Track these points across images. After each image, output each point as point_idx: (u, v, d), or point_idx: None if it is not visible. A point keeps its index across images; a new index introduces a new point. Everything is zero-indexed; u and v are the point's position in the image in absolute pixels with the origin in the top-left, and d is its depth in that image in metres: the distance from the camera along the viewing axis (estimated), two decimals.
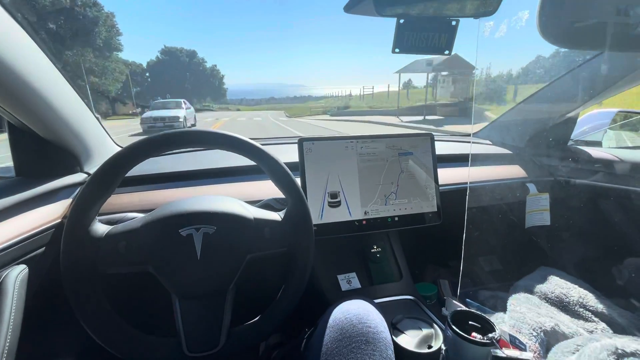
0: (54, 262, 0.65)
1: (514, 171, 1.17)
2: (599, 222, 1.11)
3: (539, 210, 1.12)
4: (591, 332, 0.79)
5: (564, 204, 1.12)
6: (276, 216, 0.62)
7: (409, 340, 0.67)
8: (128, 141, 0.58)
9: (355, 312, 0.56)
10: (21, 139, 0.72)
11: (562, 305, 0.87)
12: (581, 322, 0.83)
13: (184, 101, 12.49)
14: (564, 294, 0.88)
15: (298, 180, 0.64)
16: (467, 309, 0.67)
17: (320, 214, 0.83)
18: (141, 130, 10.01)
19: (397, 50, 0.60)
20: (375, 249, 0.93)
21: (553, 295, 0.88)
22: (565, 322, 0.79)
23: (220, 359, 0.57)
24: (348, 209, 0.85)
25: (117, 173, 0.54)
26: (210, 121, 18.42)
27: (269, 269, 0.84)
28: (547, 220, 1.11)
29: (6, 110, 0.62)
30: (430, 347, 0.65)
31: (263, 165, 0.60)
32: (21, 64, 0.58)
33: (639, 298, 0.90)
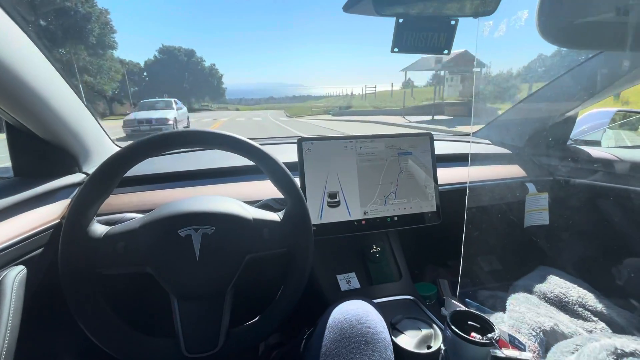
0: (53, 262, 0.65)
1: (513, 171, 1.17)
2: (598, 221, 1.11)
3: (538, 210, 1.12)
4: (590, 331, 0.79)
5: (563, 203, 1.12)
6: (275, 216, 0.62)
7: (409, 340, 0.67)
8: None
9: (355, 313, 0.56)
10: (19, 139, 0.71)
11: (561, 304, 0.87)
12: (580, 321, 0.83)
13: (174, 101, 11.49)
14: (563, 294, 0.88)
15: (297, 180, 0.64)
16: (467, 309, 0.67)
17: (320, 214, 0.82)
18: (124, 135, 8.82)
19: (396, 49, 0.60)
20: (374, 249, 0.93)
21: (552, 294, 0.88)
22: (564, 322, 0.79)
23: (220, 359, 0.57)
24: (347, 209, 0.85)
25: (115, 173, 0.54)
26: (208, 121, 18.15)
27: (268, 270, 0.84)
28: (546, 220, 1.11)
29: (4, 110, 0.62)
30: (429, 347, 0.65)
31: (262, 166, 0.60)
32: (19, 64, 0.58)
33: (638, 298, 0.90)
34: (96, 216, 0.56)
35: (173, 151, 1.03)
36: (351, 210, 0.85)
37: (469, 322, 0.61)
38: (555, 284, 0.91)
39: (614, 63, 0.95)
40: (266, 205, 0.77)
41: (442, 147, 1.21)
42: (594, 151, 1.17)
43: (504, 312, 0.82)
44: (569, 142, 1.28)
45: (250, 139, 0.60)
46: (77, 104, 0.78)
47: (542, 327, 0.75)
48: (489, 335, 0.57)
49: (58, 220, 0.68)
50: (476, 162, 1.16)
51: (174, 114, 9.99)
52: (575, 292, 0.88)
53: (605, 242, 1.11)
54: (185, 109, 12.61)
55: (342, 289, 0.86)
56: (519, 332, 0.74)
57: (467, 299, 0.88)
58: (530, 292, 0.91)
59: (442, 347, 0.63)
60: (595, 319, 0.82)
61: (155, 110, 10.11)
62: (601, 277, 0.98)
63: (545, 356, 0.70)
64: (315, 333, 0.58)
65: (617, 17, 0.44)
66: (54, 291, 0.57)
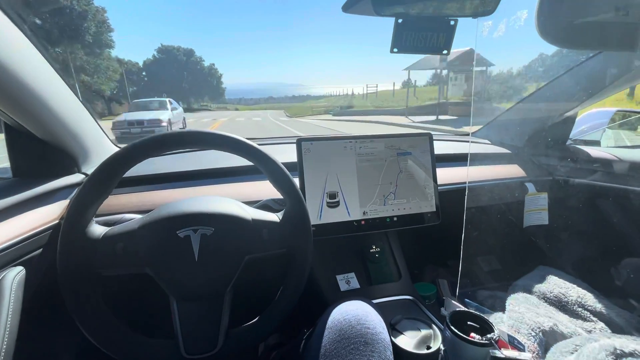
0: (52, 263, 0.65)
1: (513, 171, 1.17)
2: (597, 221, 1.11)
3: (537, 210, 1.12)
4: (590, 331, 0.79)
5: (563, 203, 1.12)
6: (274, 217, 0.62)
7: (408, 341, 0.67)
8: None
9: (354, 313, 0.56)
10: (18, 140, 0.71)
11: (561, 304, 0.87)
12: (580, 321, 0.83)
13: (169, 100, 10.81)
14: (563, 294, 0.88)
15: (296, 181, 0.64)
16: (466, 309, 0.67)
17: (319, 214, 0.82)
18: (113, 138, 8.13)
19: (395, 50, 0.60)
20: (374, 249, 0.93)
21: (551, 294, 0.88)
22: (563, 322, 0.79)
23: None
24: (347, 209, 0.85)
25: (114, 174, 0.54)
26: (207, 122, 17.98)
27: (267, 270, 0.84)
28: (545, 220, 1.11)
29: (2, 110, 0.62)
30: (429, 347, 0.65)
31: (261, 166, 0.60)
32: (17, 64, 0.58)
33: (637, 298, 0.90)
34: (95, 217, 0.56)
35: (172, 151, 1.03)
36: (350, 211, 0.85)
37: (469, 323, 0.61)
38: (555, 284, 0.91)
39: (613, 63, 0.95)
40: (265, 205, 0.77)
41: (441, 147, 1.21)
42: (593, 151, 1.17)
43: (504, 312, 0.82)
44: (569, 142, 1.28)
45: (249, 139, 0.60)
46: (76, 104, 0.77)
47: (542, 327, 0.75)
48: (489, 335, 0.57)
49: (57, 221, 0.67)
50: (475, 162, 1.16)
51: (168, 115, 9.44)
52: (574, 292, 0.88)
53: (605, 242, 1.11)
54: (181, 109, 12.00)
55: (342, 289, 0.86)
56: (518, 332, 0.74)
57: (466, 299, 0.88)
58: (530, 292, 0.91)
59: (442, 347, 0.63)
60: (594, 319, 0.82)
61: (148, 111, 9.47)
62: (600, 277, 0.98)
63: (544, 356, 0.70)
64: (314, 333, 0.58)
65: (616, 17, 0.44)
66: (53, 292, 0.57)
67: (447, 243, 0.95)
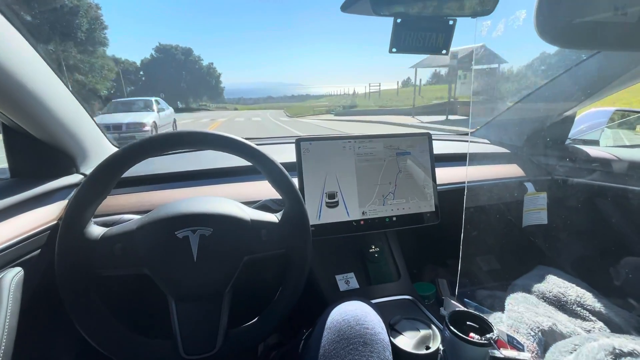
0: (50, 264, 0.65)
1: (512, 170, 1.18)
2: (596, 221, 1.11)
3: (536, 210, 1.12)
4: (589, 331, 0.79)
5: (562, 203, 1.12)
6: (273, 217, 0.62)
7: (407, 341, 0.67)
8: None
9: (353, 314, 0.56)
10: (16, 140, 0.71)
11: (560, 304, 0.87)
12: (579, 321, 0.83)
13: (156, 100, 9.26)
14: (562, 293, 0.88)
15: (295, 181, 0.63)
16: (465, 309, 0.66)
17: (318, 214, 0.82)
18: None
19: (394, 50, 0.60)
20: (373, 249, 0.93)
21: (551, 294, 0.88)
22: (562, 322, 0.79)
23: None
24: (346, 209, 0.84)
25: (113, 174, 0.54)
26: (205, 122, 17.70)
27: (266, 271, 0.84)
28: (544, 220, 1.11)
29: (0, 111, 0.61)
30: (428, 347, 0.65)
31: (259, 166, 0.60)
32: (15, 64, 0.58)
33: (636, 297, 0.90)
34: (93, 217, 0.55)
35: (171, 152, 1.03)
36: (350, 211, 0.85)
37: (468, 322, 0.61)
38: (554, 284, 0.91)
39: (612, 63, 0.95)
40: (264, 206, 0.77)
41: (440, 147, 1.21)
42: (592, 151, 1.17)
43: (503, 312, 0.82)
44: (567, 141, 1.28)
45: (247, 139, 0.60)
46: (74, 105, 0.77)
47: (541, 327, 0.75)
48: (488, 335, 0.57)
49: (55, 222, 0.67)
50: (474, 162, 1.16)
51: (153, 117, 8.06)
52: (573, 291, 0.88)
53: (604, 241, 1.11)
54: (170, 110, 10.43)
55: (341, 289, 0.86)
56: (517, 332, 0.74)
57: (465, 299, 0.88)
58: (529, 291, 0.91)
59: (441, 347, 0.63)
60: (593, 318, 0.83)
61: (130, 113, 8.05)
62: (599, 276, 0.98)
63: (543, 356, 0.70)
64: (313, 334, 0.58)
65: (615, 16, 0.44)
66: (52, 293, 0.57)
67: (446, 243, 0.95)
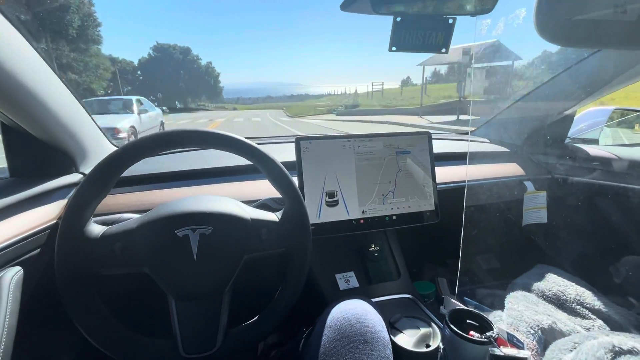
0: (50, 263, 0.65)
1: (512, 169, 1.18)
2: (596, 219, 1.11)
3: (536, 208, 1.12)
4: (588, 329, 0.79)
5: (561, 201, 1.12)
6: (273, 216, 0.62)
7: (407, 339, 0.67)
8: None
9: (353, 312, 0.56)
10: (15, 140, 0.71)
11: (560, 302, 0.87)
12: (578, 319, 0.83)
13: (138, 100, 7.85)
14: (561, 292, 0.88)
15: (295, 180, 0.63)
16: (465, 307, 0.67)
17: (318, 213, 0.82)
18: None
19: (394, 48, 0.60)
20: (373, 248, 0.93)
21: (550, 293, 0.88)
22: (562, 320, 0.80)
23: (218, 359, 0.57)
24: (346, 208, 0.84)
25: (112, 173, 0.54)
26: (204, 122, 17.35)
27: (266, 269, 0.84)
28: (544, 218, 1.11)
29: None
30: (428, 346, 0.65)
31: (260, 165, 0.60)
32: (14, 63, 0.57)
33: (635, 296, 0.91)
34: (93, 216, 0.55)
35: (170, 151, 1.03)
36: (350, 210, 0.85)
37: (468, 321, 0.61)
38: (554, 282, 0.91)
39: (612, 61, 0.95)
40: (264, 205, 0.77)
41: (440, 146, 1.21)
42: (591, 149, 1.17)
43: (503, 311, 0.82)
44: (567, 140, 1.28)
45: (247, 138, 0.60)
46: (74, 104, 0.77)
47: (541, 325, 0.75)
48: (488, 333, 0.58)
49: (55, 221, 0.67)
50: (474, 161, 1.16)
51: (132, 121, 6.79)
52: (573, 290, 0.88)
53: (603, 240, 1.11)
54: (156, 111, 9.01)
55: (341, 288, 0.86)
56: (517, 331, 0.74)
57: (465, 298, 0.88)
58: (529, 290, 0.91)
59: (441, 345, 0.63)
60: (593, 316, 0.83)
61: (105, 115, 6.72)
62: (599, 275, 0.98)
63: (543, 354, 0.70)
64: (314, 332, 0.58)
65: (615, 15, 0.44)
66: (51, 292, 0.57)
67: (446, 242, 0.95)
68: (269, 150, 0.61)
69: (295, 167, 0.81)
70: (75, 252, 0.51)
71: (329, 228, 0.83)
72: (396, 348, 0.63)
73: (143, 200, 0.81)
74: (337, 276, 0.88)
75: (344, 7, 0.59)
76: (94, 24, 24.92)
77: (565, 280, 0.91)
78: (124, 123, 6.46)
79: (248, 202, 0.67)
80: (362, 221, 0.85)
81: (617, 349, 0.60)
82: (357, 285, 0.87)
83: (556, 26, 0.46)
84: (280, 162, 0.61)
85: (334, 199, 0.84)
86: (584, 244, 1.15)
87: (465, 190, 0.90)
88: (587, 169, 1.12)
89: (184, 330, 0.55)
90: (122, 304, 0.73)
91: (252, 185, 0.90)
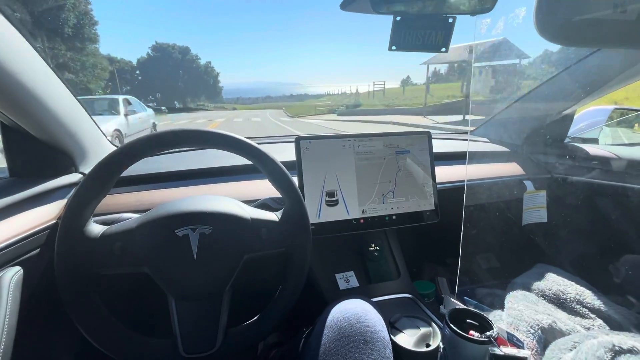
0: (49, 263, 0.65)
1: (511, 169, 1.18)
2: (595, 219, 1.11)
3: (536, 208, 1.12)
4: (588, 329, 0.79)
5: (561, 201, 1.12)
6: (273, 216, 0.62)
7: (407, 339, 0.67)
8: None
9: (354, 312, 0.56)
10: (14, 140, 0.71)
11: (559, 302, 0.87)
12: (578, 319, 0.83)
13: (125, 99, 6.83)
14: (561, 291, 0.88)
15: (295, 180, 0.63)
16: (465, 307, 0.67)
17: (318, 213, 0.82)
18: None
19: (393, 47, 0.60)
20: (373, 248, 0.93)
21: (550, 292, 0.89)
22: (562, 319, 0.80)
23: (218, 359, 0.57)
24: (346, 207, 0.84)
25: (112, 173, 0.54)
26: (203, 122, 17.07)
27: (266, 269, 0.84)
28: (544, 218, 1.11)
29: None
30: (428, 345, 0.65)
31: (260, 165, 0.60)
32: (13, 63, 0.57)
33: (635, 295, 0.91)
34: (93, 216, 0.55)
35: (170, 151, 1.03)
36: (349, 209, 0.85)
37: (468, 320, 0.61)
38: (553, 282, 0.91)
39: (612, 60, 0.95)
40: (264, 204, 0.77)
41: (440, 145, 1.21)
42: (591, 149, 1.17)
43: (503, 310, 0.82)
44: (567, 139, 1.28)
45: (247, 137, 0.60)
46: (73, 103, 0.77)
47: (540, 325, 0.75)
48: (488, 333, 0.58)
49: (54, 221, 0.67)
50: (474, 160, 1.16)
51: (116, 124, 5.95)
52: (573, 289, 0.88)
53: (603, 239, 1.11)
54: (147, 112, 7.99)
55: (341, 288, 0.86)
56: (517, 330, 0.74)
57: (465, 297, 0.88)
58: (529, 289, 0.91)
59: (441, 345, 0.63)
60: (592, 316, 0.83)
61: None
62: (599, 274, 0.99)
63: (543, 353, 0.70)
64: (314, 332, 0.58)
65: (615, 14, 0.44)
66: (51, 292, 0.57)
67: (446, 241, 0.95)
68: (269, 149, 0.61)
69: (295, 166, 0.81)
70: (75, 252, 0.51)
71: (329, 228, 0.83)
72: (396, 348, 0.63)
73: (143, 200, 0.81)
74: (337, 276, 0.88)
75: (343, 6, 0.59)
76: (91, 23, 24.29)
77: (565, 280, 0.91)
78: (108, 126, 5.61)
79: (248, 202, 0.67)
80: (362, 221, 0.85)
81: (617, 348, 0.60)
82: (357, 284, 0.87)
83: (556, 25, 0.46)
84: (280, 162, 0.61)
85: (333, 199, 0.84)
86: (583, 243, 1.15)
87: (465, 189, 0.90)
88: (587, 168, 1.13)
89: (183, 330, 0.55)
90: (122, 303, 0.73)
91: (252, 185, 0.90)
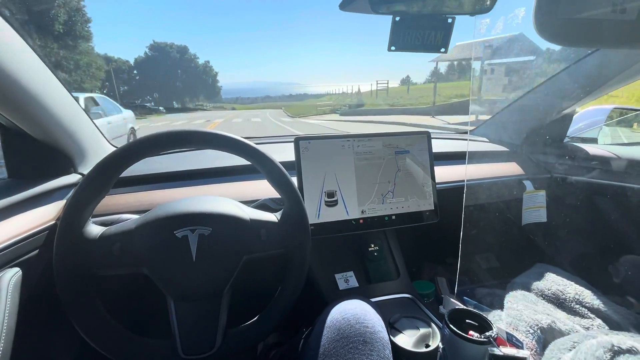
0: (48, 264, 0.65)
1: (511, 168, 1.18)
2: (595, 219, 1.11)
3: (535, 208, 1.12)
4: (587, 328, 0.79)
5: (561, 201, 1.12)
6: (272, 217, 0.62)
7: (407, 339, 0.67)
8: None
9: (353, 312, 0.56)
10: (13, 140, 0.71)
11: (559, 302, 0.87)
12: (577, 319, 0.83)
13: (89, 99, 5.59)
14: (561, 291, 0.88)
15: (294, 180, 0.63)
16: (465, 307, 0.67)
17: (317, 213, 0.82)
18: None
19: (393, 48, 0.60)
20: (372, 248, 0.93)
21: (550, 292, 0.89)
22: (561, 319, 0.80)
23: None
24: (345, 208, 0.84)
25: (111, 173, 0.54)
26: (201, 123, 16.73)
27: (265, 270, 0.84)
28: (543, 218, 1.11)
29: None
30: (427, 346, 0.65)
31: (259, 166, 0.60)
32: (12, 63, 0.57)
33: (635, 295, 0.91)
34: (92, 217, 0.55)
35: (169, 151, 1.03)
36: (349, 209, 0.85)
37: (467, 321, 0.61)
38: (553, 282, 0.91)
39: (611, 60, 0.95)
40: (263, 205, 0.77)
41: (439, 145, 1.21)
42: (590, 148, 1.17)
43: (502, 310, 0.82)
44: (566, 139, 1.28)
45: (246, 138, 0.60)
46: (72, 104, 0.77)
47: (540, 325, 0.75)
48: (487, 333, 0.57)
49: (53, 222, 0.67)
50: (474, 160, 1.16)
51: None
52: (572, 289, 0.88)
53: (603, 239, 1.11)
54: (124, 114, 6.67)
55: (341, 288, 0.86)
56: (516, 330, 0.74)
57: (465, 297, 0.88)
58: (528, 289, 0.91)
59: (440, 345, 0.63)
60: (592, 316, 0.83)
61: None
62: (598, 274, 0.99)
63: (542, 353, 0.70)
64: (313, 332, 0.58)
65: (614, 14, 0.44)
66: (50, 293, 0.57)
67: (445, 241, 0.95)
68: (268, 150, 0.60)
69: (294, 167, 0.81)
70: (74, 253, 0.51)
71: (329, 228, 0.83)
72: (396, 348, 0.63)
73: (142, 200, 0.81)
74: (337, 276, 0.88)
75: (342, 6, 0.59)
76: (83, 20, 23.18)
77: (565, 280, 0.91)
78: None
79: (247, 203, 0.67)
80: (361, 221, 0.85)
81: (616, 348, 0.60)
82: (357, 285, 0.87)
83: (555, 25, 0.46)
84: (279, 162, 0.61)
85: (333, 199, 0.84)
86: (583, 243, 1.16)
87: (465, 189, 0.90)
88: (586, 168, 1.13)
89: (183, 331, 0.55)
90: (121, 304, 0.73)
91: (251, 185, 0.90)
